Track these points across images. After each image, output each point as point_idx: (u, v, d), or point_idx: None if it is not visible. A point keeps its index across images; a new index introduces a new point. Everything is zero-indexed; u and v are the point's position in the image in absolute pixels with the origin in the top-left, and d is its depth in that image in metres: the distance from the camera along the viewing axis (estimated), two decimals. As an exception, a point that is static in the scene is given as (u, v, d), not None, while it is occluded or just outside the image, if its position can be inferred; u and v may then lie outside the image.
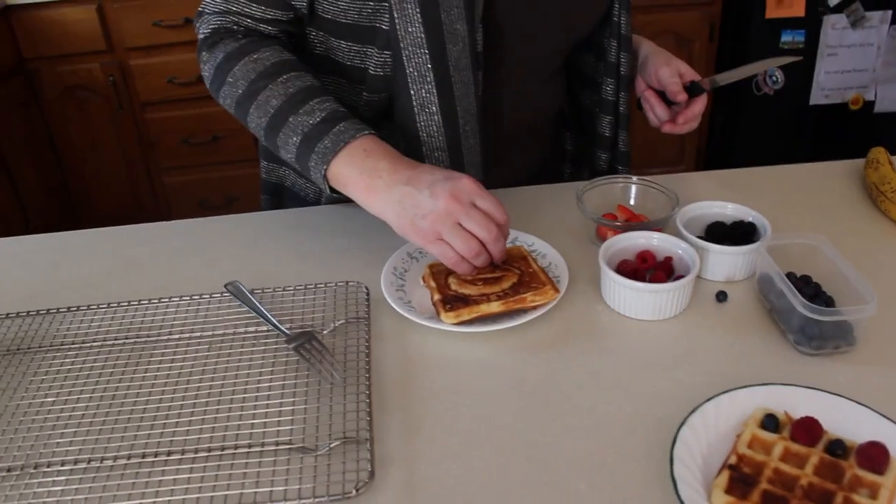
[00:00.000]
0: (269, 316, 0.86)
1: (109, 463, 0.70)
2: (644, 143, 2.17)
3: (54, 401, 0.78)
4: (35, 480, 0.69)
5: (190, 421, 0.75)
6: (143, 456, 0.71)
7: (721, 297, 0.89)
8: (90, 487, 0.68)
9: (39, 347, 0.86)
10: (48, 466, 0.70)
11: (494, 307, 0.86)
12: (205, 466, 0.69)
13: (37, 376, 0.82)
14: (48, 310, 0.92)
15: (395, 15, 0.93)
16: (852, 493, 0.62)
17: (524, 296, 0.86)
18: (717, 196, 1.01)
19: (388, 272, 0.93)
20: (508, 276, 0.90)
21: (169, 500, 0.66)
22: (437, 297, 0.88)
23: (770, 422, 0.69)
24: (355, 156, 0.88)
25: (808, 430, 0.67)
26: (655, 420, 0.73)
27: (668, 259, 0.91)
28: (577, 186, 1.02)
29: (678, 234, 0.93)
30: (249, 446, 0.71)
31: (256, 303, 0.88)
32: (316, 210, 1.12)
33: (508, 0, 0.98)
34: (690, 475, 0.65)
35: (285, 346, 0.82)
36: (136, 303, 0.92)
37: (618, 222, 0.95)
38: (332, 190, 0.91)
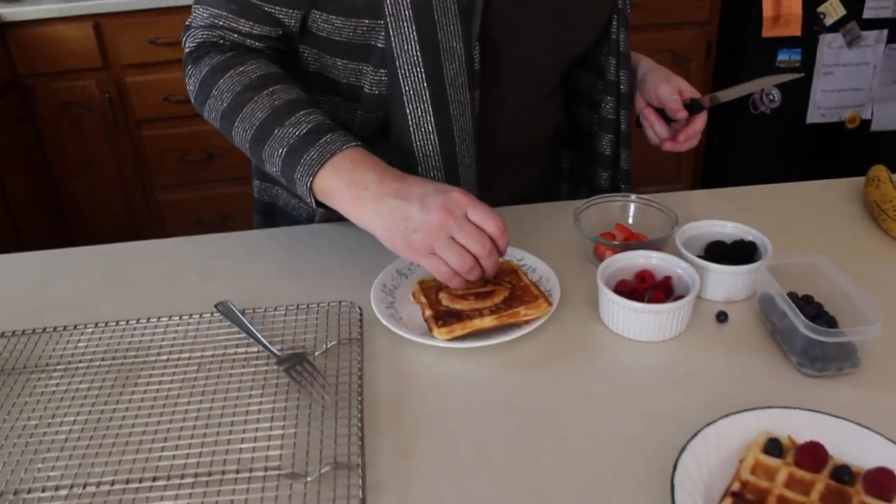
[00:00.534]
0: (260, 337, 0.84)
1: (92, 489, 0.68)
2: (640, 160, 2.15)
3: (37, 424, 0.76)
4: (15, 507, 0.67)
5: (177, 445, 0.72)
6: (128, 482, 0.69)
7: (721, 317, 0.87)
8: (72, 515, 0.66)
9: (24, 368, 0.84)
10: (28, 493, 0.68)
11: (488, 322, 0.84)
12: (191, 493, 0.67)
13: (20, 398, 0.80)
14: (34, 329, 0.90)
15: (391, 33, 0.91)
16: (860, 521, 0.60)
17: (517, 310, 0.85)
18: (716, 214, 0.99)
19: (377, 290, 0.92)
20: (500, 291, 0.88)
21: (153, 529, 0.64)
22: (428, 312, 0.86)
23: (773, 446, 0.67)
24: (342, 167, 0.86)
25: (812, 455, 0.65)
26: (655, 444, 0.71)
27: (668, 279, 0.89)
28: (574, 205, 1.00)
29: (677, 254, 0.91)
30: (237, 472, 0.69)
31: (247, 323, 0.86)
32: (309, 228, 1.10)
33: (506, 17, 0.96)
34: (692, 502, 0.63)
35: (276, 367, 0.80)
36: (123, 323, 0.90)
37: (616, 241, 0.94)
38: (318, 203, 0.89)
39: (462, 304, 0.87)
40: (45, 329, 0.90)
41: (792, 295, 0.84)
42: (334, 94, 1.04)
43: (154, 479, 0.69)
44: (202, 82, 0.97)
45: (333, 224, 1.09)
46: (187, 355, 0.84)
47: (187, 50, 1.01)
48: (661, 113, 1.10)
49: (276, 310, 0.91)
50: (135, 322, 0.90)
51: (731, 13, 2.79)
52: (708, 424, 0.70)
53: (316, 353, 0.84)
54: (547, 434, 0.73)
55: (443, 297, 0.89)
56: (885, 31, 2.72)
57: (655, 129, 1.11)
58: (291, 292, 0.95)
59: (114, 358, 0.85)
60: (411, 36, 0.91)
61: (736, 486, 0.64)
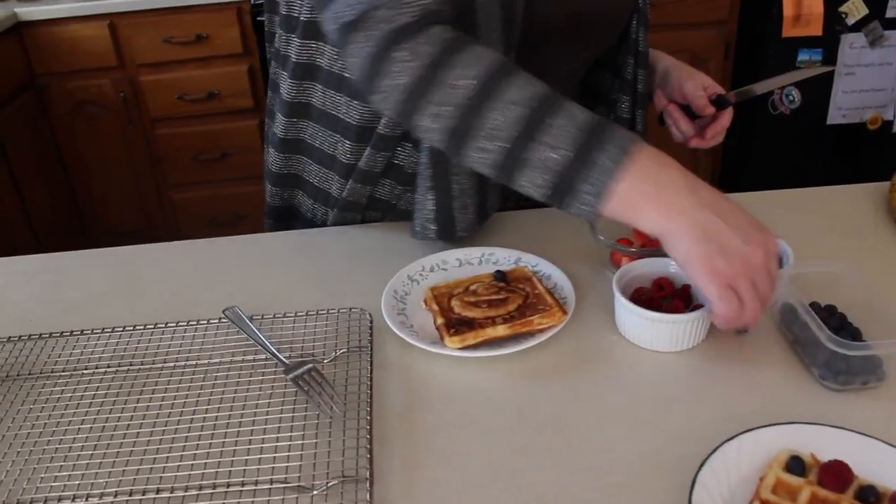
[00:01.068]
0: (268, 344, 0.83)
1: (95, 500, 0.67)
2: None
3: (41, 432, 0.75)
4: (16, 519, 0.66)
5: (181, 456, 0.71)
6: (131, 493, 0.67)
7: (741, 328, 0.84)
8: (73, 527, 0.65)
9: (29, 374, 0.83)
10: (30, 503, 0.67)
11: (500, 331, 0.82)
12: (195, 506, 0.66)
13: (24, 405, 0.79)
14: (41, 334, 0.88)
15: None
16: (886, 545, 0.58)
17: (531, 318, 0.83)
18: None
19: (388, 296, 0.90)
20: (514, 298, 0.86)
21: (155, 543, 0.63)
22: (440, 320, 0.84)
23: (795, 464, 0.64)
24: (648, 167, 0.72)
25: (836, 474, 0.63)
26: (673, 459, 0.69)
27: (686, 287, 0.87)
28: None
29: (696, 261, 0.88)
30: (242, 484, 0.67)
31: (255, 330, 0.85)
32: (321, 232, 1.09)
33: (544, 23, 0.93)
34: (711, 523, 0.60)
35: (283, 376, 0.78)
36: (130, 328, 0.89)
37: (633, 248, 0.91)
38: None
39: (475, 311, 0.85)
40: (51, 334, 0.88)
41: (814, 305, 0.82)
42: (356, 94, 1.00)
43: (158, 490, 0.67)
44: (430, 68, 0.75)
45: (345, 228, 1.08)
46: (194, 362, 0.83)
47: (402, 23, 0.76)
48: (686, 110, 1.07)
49: (284, 316, 0.89)
50: (142, 327, 0.88)
51: (750, 13, 2.75)
52: (728, 440, 0.67)
53: (325, 361, 0.82)
54: (560, 447, 0.71)
55: (455, 304, 0.87)
56: (909, 31, 2.68)
57: (680, 127, 1.08)
58: (301, 297, 0.94)
59: (119, 365, 0.83)
60: None
61: (756, 506, 0.61)
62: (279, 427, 0.73)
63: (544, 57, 0.97)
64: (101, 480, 0.69)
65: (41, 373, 0.83)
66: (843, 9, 2.64)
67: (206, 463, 0.70)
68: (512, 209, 1.10)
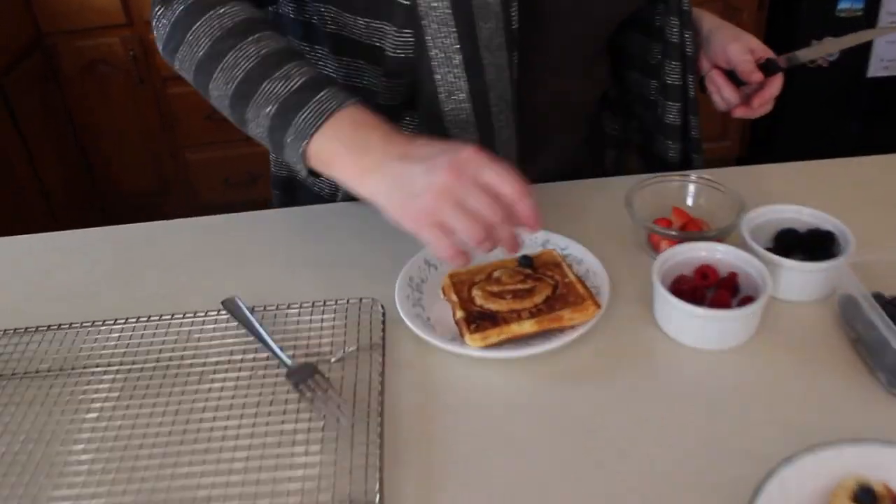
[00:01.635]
0: (270, 341, 0.75)
1: (75, 527, 0.60)
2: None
3: (10, 441, 0.68)
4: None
5: (172, 474, 0.64)
6: (116, 518, 0.61)
7: (794, 322, 0.76)
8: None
9: (13, 375, 0.76)
10: (4, 531, 0.60)
11: (527, 327, 0.74)
12: (184, 535, 0.59)
13: (7, 408, 0.72)
14: (26, 328, 0.81)
15: None
16: None
17: (560, 313, 0.74)
18: (786, 196, 0.87)
19: (402, 284, 0.82)
20: (541, 288, 0.78)
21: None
22: (460, 314, 0.76)
23: (865, 496, 0.56)
24: (342, 129, 0.73)
25: (915, 508, 0.54)
26: (722, 482, 0.61)
27: (733, 276, 0.78)
28: (625, 182, 0.88)
29: (744, 245, 0.79)
30: (238, 509, 0.60)
31: (256, 324, 0.77)
32: (329, 209, 1.00)
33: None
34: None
35: (286, 380, 0.71)
36: (122, 321, 0.81)
37: (673, 231, 0.82)
38: (311, 172, 0.77)
39: (498, 303, 0.77)
40: (37, 328, 0.81)
41: (878, 297, 0.73)
42: (355, 58, 0.92)
43: (145, 515, 0.61)
44: (174, 26, 0.82)
45: (355, 204, 0.99)
46: (189, 362, 0.76)
47: None
48: (730, 75, 0.97)
49: (289, 308, 0.81)
50: (133, 321, 0.81)
51: (787, -42, 2.60)
52: (785, 462, 0.59)
53: (332, 360, 0.74)
54: (594, 464, 0.63)
55: (476, 294, 0.79)
56: (959, -24, 2.51)
57: (724, 94, 0.98)
58: (307, 285, 0.86)
59: (108, 364, 0.76)
60: None
61: (823, 546, 0.53)
62: (279, 441, 0.66)
63: (557, 12, 0.88)
64: (89, 490, 0.62)
65: (25, 373, 0.76)
66: (888, -48, 2.47)
67: (198, 483, 0.63)
68: (536, 181, 1.01)
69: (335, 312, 0.80)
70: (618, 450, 0.64)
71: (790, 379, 0.70)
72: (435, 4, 0.81)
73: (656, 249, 0.85)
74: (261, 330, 0.76)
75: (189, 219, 1.00)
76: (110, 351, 0.78)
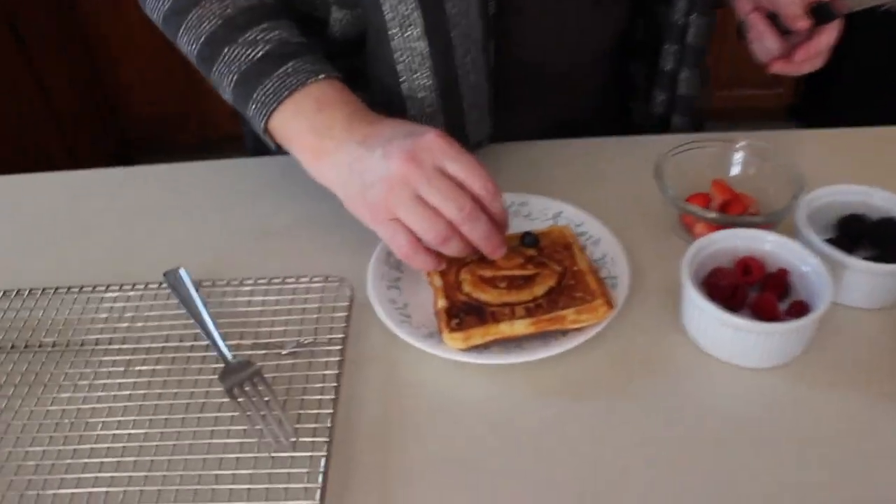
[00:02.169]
0: (212, 328, 0.62)
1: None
2: (731, 57, 1.80)
3: None
4: None
5: (71, 497, 0.52)
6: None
7: (856, 334, 0.61)
8: None
9: (-87, 351, 0.64)
10: None
11: (520, 327, 0.60)
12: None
13: None
14: (-60, 293, 0.70)
15: None
16: None
17: (563, 313, 0.60)
18: (849, 168, 0.71)
19: (379, 260, 0.68)
20: (544, 277, 0.64)
21: None
22: (441, 303, 0.63)
23: None
24: (304, 108, 0.65)
25: None
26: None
27: (783, 274, 0.63)
28: (655, 142, 0.73)
29: (799, 235, 0.64)
30: (139, 551, 0.48)
31: (199, 305, 0.64)
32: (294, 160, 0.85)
33: None
34: None
35: (222, 381, 0.58)
36: (51, 291, 0.69)
37: (711, 214, 0.67)
38: (278, 146, 0.68)
39: (489, 293, 0.63)
40: (-49, 294, 0.69)
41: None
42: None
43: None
44: None
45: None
46: (117, 347, 0.63)
47: None
48: (774, 20, 0.78)
49: (241, 284, 0.68)
50: (64, 291, 0.69)
51: None
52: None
53: (283, 354, 0.61)
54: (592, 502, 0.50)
55: (465, 278, 0.65)
56: None
57: (764, 43, 0.79)
58: (270, 256, 0.73)
59: (26, 345, 0.64)
60: None
61: None
62: (204, 460, 0.54)
63: None
64: (-42, 528, 0.51)
65: (-76, 351, 0.64)
66: None
67: (97, 512, 0.51)
68: (554, 137, 0.85)
69: (294, 294, 0.67)
70: (625, 488, 0.51)
71: (849, 408, 0.56)
72: None
73: (690, 231, 0.70)
74: (203, 312, 0.64)
75: (152, 166, 0.86)
76: (31, 326, 0.66)
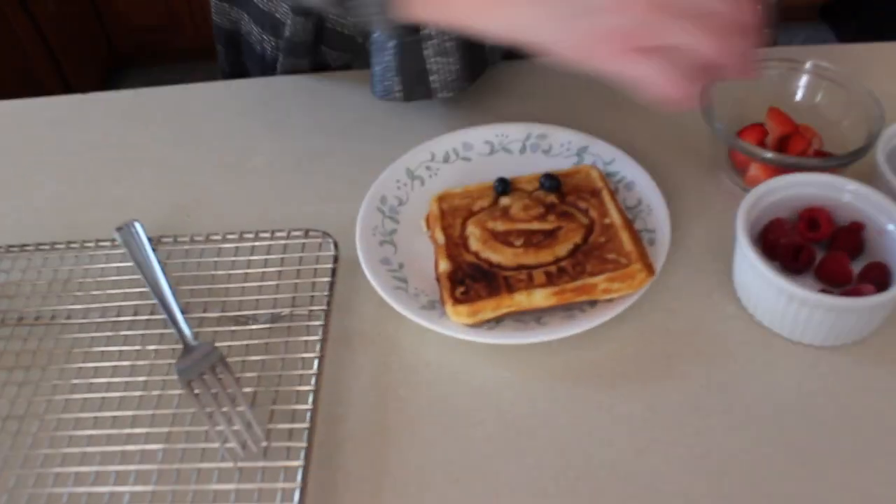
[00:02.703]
0: (170, 298, 0.52)
1: None
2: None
3: None
4: None
5: (-5, 518, 0.43)
6: None
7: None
8: None
9: None
10: None
11: (539, 299, 0.49)
12: None
13: None
14: None
15: None
16: None
17: (592, 281, 0.50)
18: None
19: (370, 208, 0.57)
20: (568, 231, 0.53)
21: None
22: (444, 265, 0.52)
23: None
24: None
25: None
26: None
27: (857, 228, 0.52)
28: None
29: (880, 182, 0.53)
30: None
31: (157, 268, 0.54)
32: (278, 83, 0.73)
33: None
34: None
35: (181, 371, 0.48)
36: (-15, 248, 0.59)
37: (768, 153, 0.55)
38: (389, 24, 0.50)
39: (502, 253, 0.52)
40: None
41: None
42: None
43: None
44: None
45: (311, 78, 0.72)
46: (60, 323, 0.54)
47: None
48: None
49: (207, 241, 0.57)
50: (3, 249, 0.58)
51: None
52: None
53: (252, 328, 0.51)
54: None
55: (473, 232, 0.54)
56: None
57: None
58: (236, 203, 0.62)
59: (-49, 318, 0.54)
60: None
61: None
62: (158, 472, 0.44)
63: None
64: None
65: None
66: None
67: (27, 540, 0.42)
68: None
69: (268, 252, 0.56)
70: (669, 491, 0.42)
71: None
72: None
73: (741, 173, 0.58)
74: (161, 279, 0.53)
75: (104, 93, 0.74)
76: (-41, 295, 0.56)
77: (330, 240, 0.56)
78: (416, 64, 0.62)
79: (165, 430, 0.46)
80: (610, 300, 0.50)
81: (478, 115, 0.66)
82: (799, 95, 0.60)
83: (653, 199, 0.56)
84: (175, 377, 0.47)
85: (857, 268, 0.51)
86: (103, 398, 0.48)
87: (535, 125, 0.63)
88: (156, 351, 0.51)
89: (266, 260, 0.56)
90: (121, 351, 0.51)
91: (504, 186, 0.57)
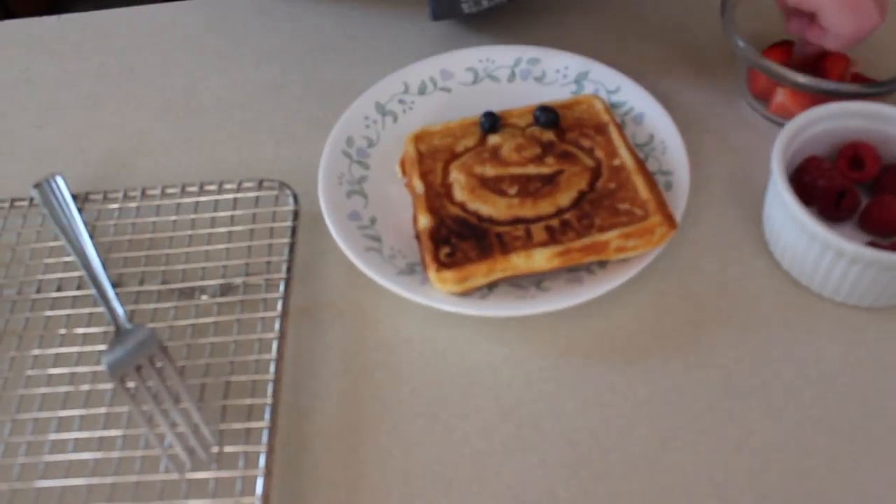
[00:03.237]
0: (98, 267, 0.44)
1: None
2: None
3: None
4: None
5: None
6: None
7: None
8: None
9: None
10: None
11: (541, 260, 0.42)
12: None
13: None
14: None
15: None
16: None
17: (603, 238, 0.42)
18: None
19: (334, 151, 0.49)
20: (571, 176, 0.45)
21: None
22: (425, 220, 0.44)
23: None
24: None
25: None
26: None
27: (909, 165, 0.44)
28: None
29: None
30: None
31: (82, 234, 0.45)
32: (227, 4, 0.63)
33: None
34: None
35: (113, 363, 0.40)
36: None
37: (799, 77, 0.46)
38: None
39: (494, 203, 0.44)
40: None
41: None
42: None
43: None
44: None
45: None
46: (-33, 301, 0.45)
47: None
48: None
49: (144, 196, 0.49)
50: None
51: None
52: None
53: (198, 302, 0.43)
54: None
55: (457, 178, 0.46)
56: None
57: None
58: (178, 150, 0.53)
59: None
60: None
61: None
62: (89, 488, 0.37)
63: None
64: None
65: None
66: None
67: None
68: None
69: (216, 209, 0.48)
70: (699, 481, 0.35)
71: None
72: None
73: (763, 99, 0.50)
74: (87, 245, 0.45)
75: (19, 20, 0.64)
76: None
77: (288, 192, 0.48)
78: None
79: (97, 434, 0.38)
80: (625, 260, 0.42)
81: (458, 38, 0.57)
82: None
83: (667, 134, 0.48)
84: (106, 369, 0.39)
85: (906, 209, 0.43)
86: (21, 396, 0.40)
87: (525, 47, 0.54)
88: (84, 335, 0.42)
89: (213, 219, 0.47)
90: (42, 336, 0.43)
91: (492, 122, 0.48)
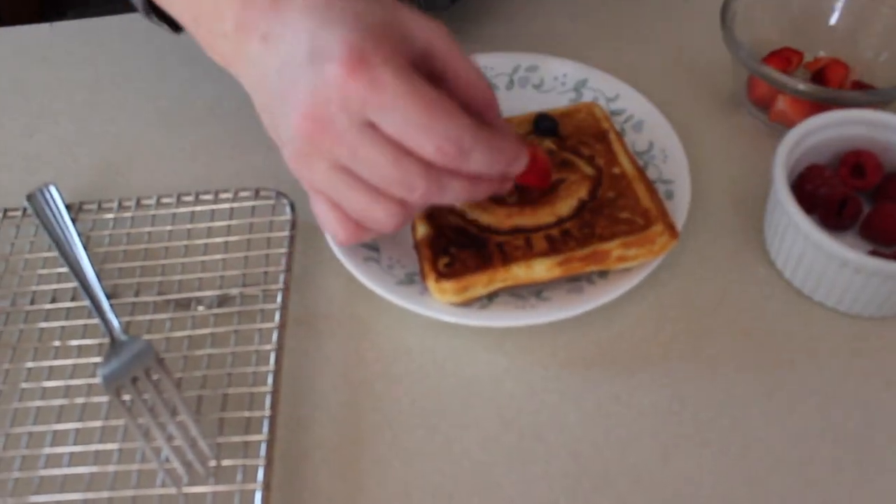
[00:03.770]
0: (93, 278, 0.43)
1: None
2: None
3: None
4: None
5: None
6: None
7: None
8: None
9: None
10: None
11: (541, 270, 0.41)
12: None
13: None
14: None
15: None
16: None
17: (605, 247, 0.41)
18: None
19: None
20: (571, 184, 0.45)
21: None
22: (424, 229, 0.44)
23: None
24: None
25: None
26: None
27: (911, 173, 0.44)
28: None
29: (931, 112, 0.45)
30: None
31: (76, 244, 0.45)
32: None
33: None
34: None
35: (112, 378, 0.40)
36: None
37: (799, 84, 0.46)
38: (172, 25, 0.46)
39: (493, 212, 0.44)
40: None
41: None
42: None
43: None
44: None
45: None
46: (-40, 313, 0.44)
47: None
48: None
49: (138, 206, 0.48)
50: None
51: None
52: None
53: (194, 314, 0.43)
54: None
55: (456, 188, 0.45)
56: None
57: None
58: (172, 159, 0.53)
59: None
60: None
61: None
62: (84, 503, 0.36)
63: None
64: None
65: None
66: None
67: None
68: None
69: (211, 218, 0.47)
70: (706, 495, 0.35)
71: None
72: None
73: (764, 107, 0.50)
74: (82, 256, 0.44)
75: (9, 28, 0.63)
76: None
77: (285, 201, 0.47)
78: None
79: (93, 448, 0.38)
80: (627, 269, 0.42)
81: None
82: (835, 18, 0.52)
83: (667, 141, 0.48)
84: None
85: (908, 218, 0.43)
86: (15, 409, 0.40)
87: (523, 55, 0.54)
88: (79, 347, 0.42)
89: (209, 228, 0.47)
90: (36, 348, 0.42)
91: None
